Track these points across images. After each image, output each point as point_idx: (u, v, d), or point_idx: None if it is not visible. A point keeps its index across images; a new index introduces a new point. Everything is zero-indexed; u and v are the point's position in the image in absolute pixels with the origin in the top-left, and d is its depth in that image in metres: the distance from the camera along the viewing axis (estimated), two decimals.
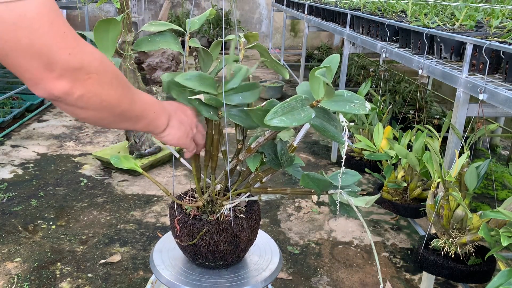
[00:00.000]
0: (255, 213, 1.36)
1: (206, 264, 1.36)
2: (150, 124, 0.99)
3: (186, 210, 1.36)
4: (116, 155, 1.20)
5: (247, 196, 1.37)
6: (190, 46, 1.27)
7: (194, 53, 1.28)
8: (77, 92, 0.75)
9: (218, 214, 1.31)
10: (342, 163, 1.08)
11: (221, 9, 9.26)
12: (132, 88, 0.92)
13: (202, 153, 1.37)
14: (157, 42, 1.25)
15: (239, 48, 1.28)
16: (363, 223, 1.08)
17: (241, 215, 1.33)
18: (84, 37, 0.95)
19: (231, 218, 1.29)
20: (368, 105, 0.97)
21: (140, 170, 1.24)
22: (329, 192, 1.17)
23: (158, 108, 1.00)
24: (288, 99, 0.95)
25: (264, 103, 1.07)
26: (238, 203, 1.38)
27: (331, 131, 1.03)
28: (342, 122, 1.00)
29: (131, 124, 0.95)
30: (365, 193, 3.35)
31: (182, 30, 1.31)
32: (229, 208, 1.32)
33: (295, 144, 1.21)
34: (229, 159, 1.34)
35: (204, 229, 1.27)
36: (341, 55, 3.74)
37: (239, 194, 1.38)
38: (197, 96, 1.11)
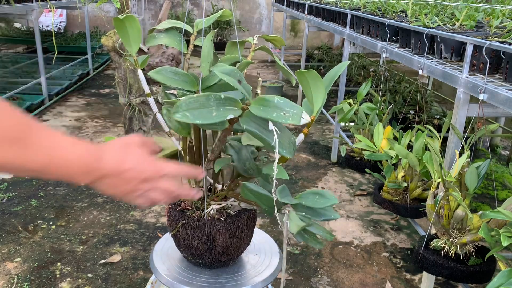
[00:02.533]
0: (240, 220, 1.30)
1: (188, 259, 1.38)
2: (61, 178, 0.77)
3: (178, 201, 1.37)
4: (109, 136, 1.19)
5: (232, 201, 1.35)
6: (194, 46, 1.28)
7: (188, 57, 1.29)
8: None
9: (203, 212, 1.31)
10: (274, 179, 0.93)
11: (221, 9, 9.25)
12: (27, 138, 0.69)
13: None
14: (160, 38, 1.25)
15: (250, 49, 1.27)
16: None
17: (221, 218, 1.29)
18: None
19: (205, 218, 1.27)
20: (306, 117, 0.84)
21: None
22: (282, 211, 1.02)
23: (73, 169, 0.75)
24: (197, 94, 0.86)
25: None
26: (230, 207, 1.36)
27: (268, 140, 0.90)
28: (271, 130, 0.88)
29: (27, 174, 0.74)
30: (365, 193, 3.35)
31: (187, 29, 1.31)
32: (215, 209, 1.30)
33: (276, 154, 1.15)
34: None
35: (180, 223, 1.28)
36: (341, 55, 3.73)
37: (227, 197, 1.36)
38: (171, 91, 1.11)
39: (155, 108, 1.32)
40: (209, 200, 1.34)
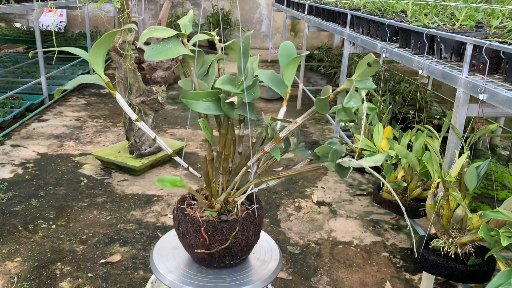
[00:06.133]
0: (258, 201, 1.42)
1: (228, 263, 1.38)
2: None
3: (203, 217, 1.34)
4: (160, 178, 1.17)
5: (251, 188, 1.41)
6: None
7: (181, 58, 1.33)
8: None
9: (235, 211, 1.36)
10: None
11: (222, 9, 9.26)
12: None
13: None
14: (171, 50, 1.26)
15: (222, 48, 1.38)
16: (375, 174, 1.16)
17: (256, 205, 1.39)
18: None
19: (255, 210, 1.36)
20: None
21: (194, 193, 1.29)
22: (338, 161, 1.23)
23: None
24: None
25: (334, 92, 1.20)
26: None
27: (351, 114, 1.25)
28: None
29: None
30: (365, 193, 3.35)
31: (182, 33, 1.33)
32: (242, 203, 1.38)
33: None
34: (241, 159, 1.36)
35: (237, 228, 1.30)
36: (341, 55, 3.74)
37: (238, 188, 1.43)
38: (231, 99, 1.20)
39: (152, 134, 1.31)
40: (231, 199, 1.38)
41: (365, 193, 3.35)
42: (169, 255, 1.46)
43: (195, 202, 1.41)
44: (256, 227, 1.35)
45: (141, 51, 5.46)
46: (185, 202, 1.41)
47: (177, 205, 1.40)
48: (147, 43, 9.00)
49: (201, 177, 1.39)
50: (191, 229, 1.31)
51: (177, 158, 1.35)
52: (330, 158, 1.22)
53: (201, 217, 1.33)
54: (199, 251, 1.32)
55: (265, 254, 1.49)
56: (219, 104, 1.23)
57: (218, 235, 1.29)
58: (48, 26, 8.62)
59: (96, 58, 1.13)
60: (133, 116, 1.25)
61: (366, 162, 1.17)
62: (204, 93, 1.22)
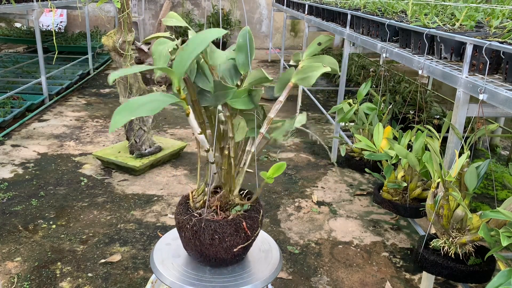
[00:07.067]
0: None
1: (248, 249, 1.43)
2: None
3: (229, 216, 1.35)
4: (264, 173, 1.28)
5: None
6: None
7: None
8: None
9: (239, 200, 1.44)
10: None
11: (222, 9, 9.25)
12: None
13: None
14: (224, 54, 1.34)
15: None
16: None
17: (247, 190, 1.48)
18: None
19: (259, 198, 1.43)
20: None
21: None
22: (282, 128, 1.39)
23: None
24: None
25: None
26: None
27: None
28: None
29: None
30: (365, 193, 3.35)
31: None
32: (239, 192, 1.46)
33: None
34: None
35: (261, 211, 1.39)
36: (341, 55, 3.74)
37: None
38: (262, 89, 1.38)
39: (206, 144, 1.33)
40: (234, 198, 1.40)
41: (365, 193, 3.35)
42: (170, 255, 1.46)
43: (202, 210, 1.39)
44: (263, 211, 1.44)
45: (141, 51, 5.46)
46: (195, 199, 1.43)
47: (205, 217, 1.34)
48: (147, 43, 9.00)
49: (216, 173, 1.40)
50: (230, 230, 1.31)
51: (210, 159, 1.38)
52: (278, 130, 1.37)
53: (228, 216, 1.34)
54: (237, 248, 1.33)
55: (265, 254, 1.49)
56: (250, 98, 1.36)
57: (255, 223, 1.35)
58: (49, 26, 8.62)
59: (180, 77, 1.16)
60: (197, 130, 1.25)
61: (296, 124, 1.37)
62: (243, 90, 1.34)
